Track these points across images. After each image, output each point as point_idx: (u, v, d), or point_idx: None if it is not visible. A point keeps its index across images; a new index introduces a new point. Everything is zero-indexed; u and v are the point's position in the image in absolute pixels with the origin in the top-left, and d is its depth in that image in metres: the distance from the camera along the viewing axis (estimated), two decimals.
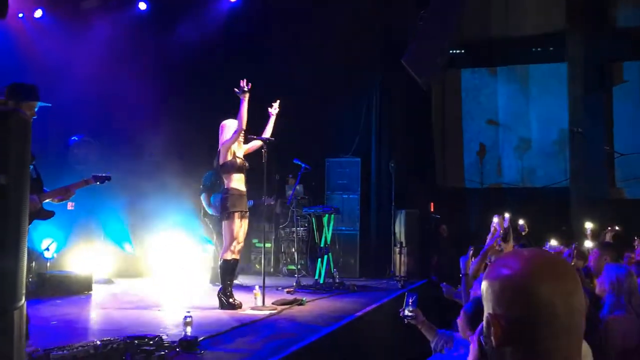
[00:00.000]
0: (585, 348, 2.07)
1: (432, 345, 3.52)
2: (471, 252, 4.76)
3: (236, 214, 6.05)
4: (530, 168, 11.49)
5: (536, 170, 11.43)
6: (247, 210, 6.25)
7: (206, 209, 8.22)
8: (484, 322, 1.18)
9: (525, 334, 1.11)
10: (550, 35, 10.92)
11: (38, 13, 8.96)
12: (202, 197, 8.25)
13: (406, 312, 3.60)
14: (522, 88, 11.66)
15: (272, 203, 6.74)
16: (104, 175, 4.85)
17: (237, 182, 6.17)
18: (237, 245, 6.15)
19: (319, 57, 9.63)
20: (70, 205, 8.21)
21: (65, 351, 3.41)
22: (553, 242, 6.74)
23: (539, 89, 11.49)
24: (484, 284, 1.19)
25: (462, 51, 11.27)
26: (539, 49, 11.23)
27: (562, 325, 1.11)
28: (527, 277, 1.12)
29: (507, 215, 5.19)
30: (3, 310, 1.88)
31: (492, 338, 1.14)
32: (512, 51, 11.48)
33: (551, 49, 11.04)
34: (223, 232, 6.18)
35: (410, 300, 3.63)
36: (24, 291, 1.98)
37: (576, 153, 10.33)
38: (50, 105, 4.14)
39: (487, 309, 1.17)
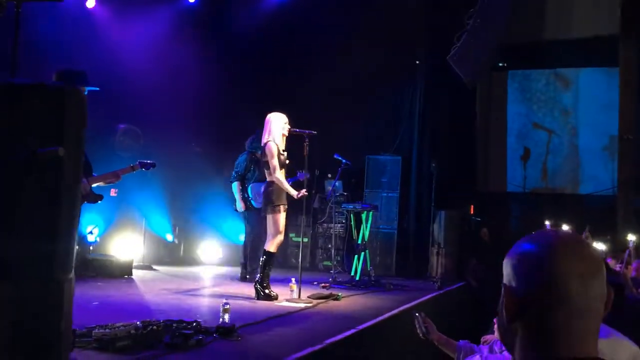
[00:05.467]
0: (635, 350, 2.00)
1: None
2: None
3: (282, 207, 6.08)
4: (576, 174, 11.19)
5: (582, 177, 11.12)
6: (287, 204, 6.27)
7: (239, 200, 7.72)
8: (501, 298, 1.18)
9: (537, 311, 1.09)
10: (602, 39, 10.60)
11: (90, 3, 9.18)
12: (234, 187, 7.75)
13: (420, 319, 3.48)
14: (571, 92, 11.36)
15: (307, 177, 6.67)
16: (149, 162, 4.99)
17: (281, 176, 6.20)
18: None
19: (363, 54, 9.60)
20: (113, 192, 8.40)
21: (107, 330, 3.47)
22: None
23: (588, 93, 11.16)
24: (505, 259, 1.18)
25: (510, 52, 11.03)
26: (590, 53, 10.90)
27: (576, 307, 1.08)
28: (545, 253, 1.10)
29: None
30: (56, 280, 1.94)
31: (504, 312, 1.13)
32: (562, 54, 11.17)
33: (603, 53, 10.70)
34: (268, 225, 6.19)
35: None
36: (73, 264, 2.03)
37: (625, 161, 10.00)
38: (98, 89, 4.24)
39: (504, 281, 1.17)
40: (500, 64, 11.25)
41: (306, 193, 6.28)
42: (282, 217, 6.09)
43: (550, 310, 1.08)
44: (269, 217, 6.12)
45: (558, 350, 1.08)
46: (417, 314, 3.53)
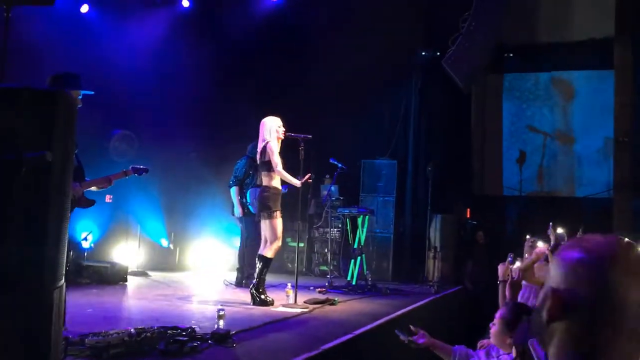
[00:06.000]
0: None
1: None
2: (509, 259, 4.65)
3: (278, 213, 6.05)
4: (571, 177, 11.20)
5: (578, 179, 11.13)
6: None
7: (237, 205, 7.65)
8: (541, 296, 1.09)
9: (582, 316, 1.02)
10: (597, 41, 10.62)
11: (84, 8, 9.15)
12: (233, 192, 7.67)
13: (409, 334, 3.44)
14: (566, 95, 11.38)
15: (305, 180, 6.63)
16: (142, 167, 4.94)
17: (277, 182, 6.18)
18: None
19: (358, 58, 9.58)
20: (108, 198, 8.36)
21: (100, 337, 3.43)
22: None
23: (583, 96, 11.18)
24: (554, 262, 1.11)
25: (505, 55, 11.04)
26: (585, 56, 10.93)
27: (628, 325, 1.00)
28: (607, 260, 1.03)
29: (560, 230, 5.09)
30: (44, 288, 1.90)
31: (544, 312, 1.06)
32: (557, 57, 11.20)
33: (598, 55, 10.72)
34: (265, 231, 6.14)
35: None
36: (63, 272, 1.99)
37: (621, 163, 10.02)
38: (93, 92, 4.21)
39: (551, 284, 1.09)
40: (495, 66, 11.25)
41: (310, 180, 6.25)
42: (279, 223, 6.06)
43: (598, 322, 1.01)
44: (266, 223, 6.08)
45: None
46: (396, 331, 3.49)
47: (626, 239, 1.09)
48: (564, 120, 11.37)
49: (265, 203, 6.09)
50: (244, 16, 10.11)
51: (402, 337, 3.43)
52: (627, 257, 1.04)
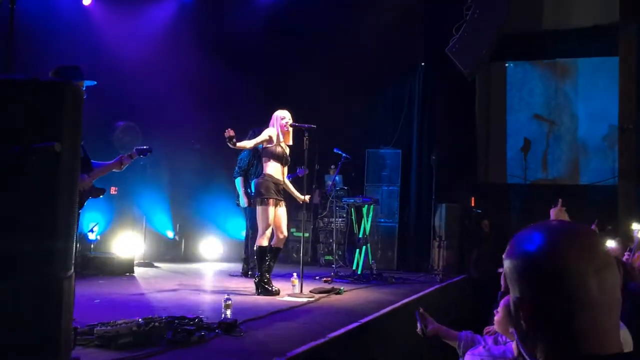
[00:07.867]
0: (626, 335, 1.99)
1: (458, 351, 3.39)
2: None
3: (271, 200, 6.03)
4: (576, 164, 11.17)
5: (583, 167, 11.11)
6: (282, 199, 6.21)
7: (241, 195, 7.65)
8: (512, 306, 1.09)
9: (558, 317, 1.02)
10: (601, 28, 10.55)
11: (87, 1, 9.15)
12: (237, 182, 7.68)
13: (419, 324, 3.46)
14: (570, 82, 11.33)
15: (306, 172, 6.62)
16: (145, 147, 4.91)
17: (275, 170, 6.16)
18: (280, 235, 6.15)
19: (362, 47, 9.56)
20: (113, 190, 8.38)
21: (108, 327, 3.46)
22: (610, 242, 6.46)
23: (588, 83, 11.13)
24: (507, 263, 1.10)
25: (509, 43, 10.98)
26: (589, 42, 10.85)
27: (596, 302, 1.01)
28: (555, 258, 1.03)
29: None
30: (55, 278, 1.92)
31: (522, 322, 1.06)
32: (561, 44, 11.13)
33: (602, 42, 10.65)
34: (257, 218, 6.17)
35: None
36: (73, 262, 2.01)
37: (625, 150, 9.98)
38: (95, 83, 4.22)
39: (514, 292, 1.08)
40: (499, 54, 11.19)
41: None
42: (270, 211, 6.01)
43: (572, 313, 1.02)
44: (258, 210, 6.08)
45: (589, 349, 1.02)
46: (416, 311, 3.51)
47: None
48: (568, 108, 11.32)
49: (258, 189, 6.10)
50: (248, 6, 10.09)
51: (418, 324, 3.44)
52: (577, 243, 1.05)
